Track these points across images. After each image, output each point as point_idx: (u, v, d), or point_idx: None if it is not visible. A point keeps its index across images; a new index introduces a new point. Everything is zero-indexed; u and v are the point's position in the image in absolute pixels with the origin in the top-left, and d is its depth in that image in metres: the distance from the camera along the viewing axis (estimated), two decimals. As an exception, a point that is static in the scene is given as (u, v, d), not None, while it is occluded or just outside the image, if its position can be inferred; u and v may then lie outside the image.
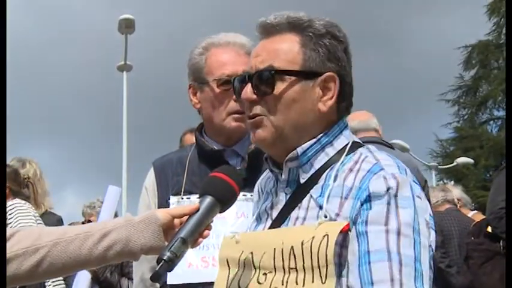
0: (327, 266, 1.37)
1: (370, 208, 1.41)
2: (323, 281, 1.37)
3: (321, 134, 1.56)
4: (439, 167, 22.63)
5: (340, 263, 1.41)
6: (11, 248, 1.59)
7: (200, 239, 1.60)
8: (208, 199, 1.58)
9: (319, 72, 1.54)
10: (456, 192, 6.01)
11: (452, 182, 15.75)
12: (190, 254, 2.13)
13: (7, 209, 4.42)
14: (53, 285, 4.49)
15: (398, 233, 1.38)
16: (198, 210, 1.57)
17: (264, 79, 1.54)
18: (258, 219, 1.66)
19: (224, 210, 1.63)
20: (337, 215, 1.44)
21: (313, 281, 1.39)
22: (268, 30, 1.59)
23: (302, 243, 1.42)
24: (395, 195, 1.41)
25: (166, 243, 1.57)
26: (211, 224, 1.63)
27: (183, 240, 1.51)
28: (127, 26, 15.37)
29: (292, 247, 1.44)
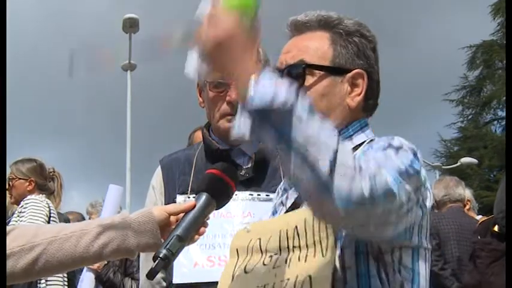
0: (327, 238, 1.38)
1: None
2: (324, 254, 1.38)
3: (342, 128, 1.55)
4: (443, 167, 22.54)
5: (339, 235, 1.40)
6: (7, 245, 1.59)
7: (196, 236, 1.60)
8: (204, 196, 1.59)
9: (348, 68, 1.56)
10: (467, 193, 5.93)
11: (456, 182, 15.67)
12: (196, 253, 2.14)
13: (23, 203, 4.34)
14: (46, 285, 4.35)
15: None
16: (194, 207, 1.57)
17: (294, 73, 1.55)
18: (274, 211, 1.68)
19: (221, 207, 1.63)
20: None
21: (314, 256, 1.40)
22: (299, 28, 1.61)
23: (305, 221, 1.43)
24: (399, 147, 1.36)
25: (162, 241, 1.57)
26: (208, 221, 1.63)
27: (179, 238, 1.51)
28: (131, 25, 15.40)
29: (296, 226, 1.46)
